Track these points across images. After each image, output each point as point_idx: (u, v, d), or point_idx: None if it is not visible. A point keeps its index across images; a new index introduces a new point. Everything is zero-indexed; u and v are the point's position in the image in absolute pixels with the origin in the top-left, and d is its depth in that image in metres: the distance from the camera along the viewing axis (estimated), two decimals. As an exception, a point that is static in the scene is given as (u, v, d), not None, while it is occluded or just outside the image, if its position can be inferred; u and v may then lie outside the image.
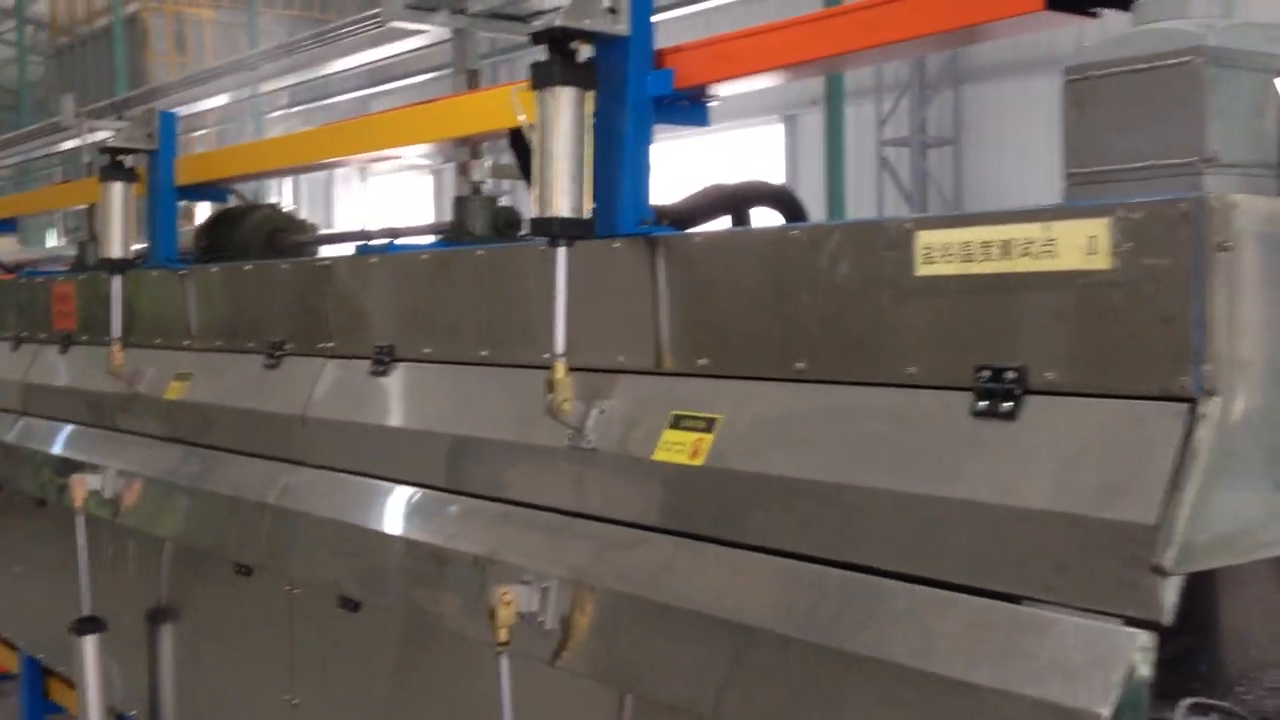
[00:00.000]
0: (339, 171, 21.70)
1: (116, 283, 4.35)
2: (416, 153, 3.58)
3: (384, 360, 3.33)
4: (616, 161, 2.63)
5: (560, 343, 2.54)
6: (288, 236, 4.50)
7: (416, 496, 3.08)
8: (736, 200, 3.09)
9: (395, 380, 3.30)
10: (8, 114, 35.80)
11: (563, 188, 2.53)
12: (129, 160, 4.37)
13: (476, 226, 3.51)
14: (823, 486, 2.13)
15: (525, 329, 2.89)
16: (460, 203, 3.55)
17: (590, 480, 2.61)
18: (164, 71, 17.72)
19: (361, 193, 22.85)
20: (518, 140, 3.11)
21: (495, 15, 6.49)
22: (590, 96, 2.57)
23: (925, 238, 2.04)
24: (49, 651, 5.23)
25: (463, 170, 3.55)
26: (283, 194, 18.54)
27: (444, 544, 2.90)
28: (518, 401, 2.86)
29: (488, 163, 3.54)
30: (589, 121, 2.57)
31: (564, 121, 2.53)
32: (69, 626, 4.31)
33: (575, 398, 2.56)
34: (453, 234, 3.53)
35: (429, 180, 21.86)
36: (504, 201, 3.79)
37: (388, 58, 8.10)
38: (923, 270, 2.05)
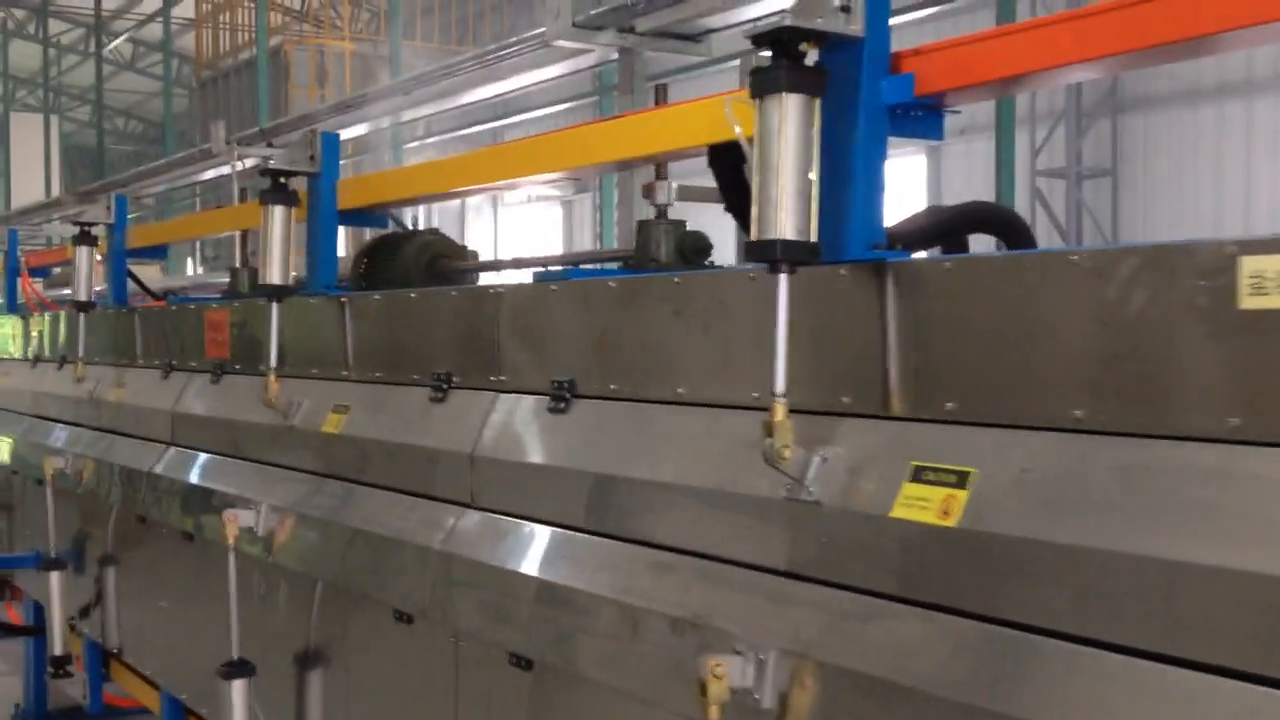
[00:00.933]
0: (471, 201, 21.76)
1: (275, 310, 4.17)
2: (605, 169, 3.31)
3: (563, 396, 3.06)
4: (846, 177, 2.34)
5: (781, 381, 2.24)
6: (450, 263, 4.28)
7: (602, 548, 2.80)
8: (961, 223, 2.77)
9: (575, 418, 3.04)
10: (152, 146, 36.91)
11: (787, 207, 2.24)
12: (290, 183, 4.21)
13: (661, 252, 3.23)
14: (1120, 559, 1.79)
15: (729, 364, 2.60)
16: (644, 227, 3.28)
17: (812, 537, 2.30)
18: (304, 103, 17.93)
19: (493, 222, 22.89)
20: (718, 157, 2.83)
21: (664, 34, 6.25)
22: (817, 105, 2.28)
23: (1253, 264, 1.70)
24: (191, 692, 5.06)
25: (646, 193, 3.28)
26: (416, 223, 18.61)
27: (637, 603, 2.61)
28: (720, 445, 2.58)
29: (673, 184, 3.28)
30: (816, 133, 2.28)
31: (789, 132, 2.24)
32: (217, 671, 4.12)
33: (795, 443, 2.26)
34: (636, 260, 3.27)
35: (558, 211, 21.83)
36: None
37: (549, 79, 7.93)
38: (1249, 303, 1.71)
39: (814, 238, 2.27)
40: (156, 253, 6.35)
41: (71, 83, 36.79)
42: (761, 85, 2.27)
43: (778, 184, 2.24)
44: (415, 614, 3.42)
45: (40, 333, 7.30)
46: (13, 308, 8.23)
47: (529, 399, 3.22)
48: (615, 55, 6.55)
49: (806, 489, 2.30)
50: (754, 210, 2.28)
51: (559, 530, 2.99)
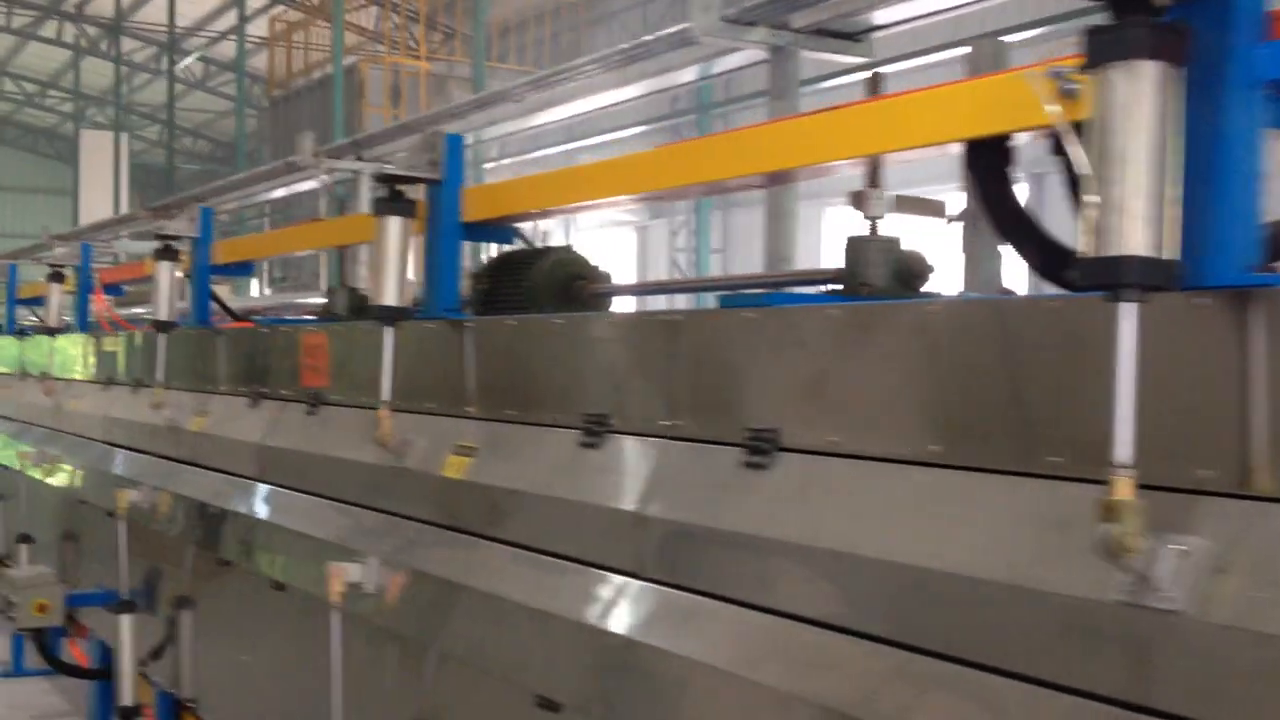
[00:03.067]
0: (545, 224, 21.24)
1: (389, 335, 3.65)
2: (831, 172, 2.75)
3: (764, 448, 2.50)
4: (1209, 175, 1.76)
5: (1126, 445, 1.67)
6: (588, 285, 3.74)
7: (835, 647, 2.23)
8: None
9: (783, 476, 2.47)
10: (220, 166, 36.90)
11: (1138, 213, 1.67)
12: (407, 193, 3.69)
13: (874, 275, 2.67)
14: None
15: (1015, 417, 2.03)
16: (855, 246, 2.72)
17: (1169, 659, 1.72)
18: (378, 122, 17.55)
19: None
20: (979, 157, 2.26)
21: (822, 31, 5.68)
22: (1179, 78, 1.71)
23: None
24: (277, 755, 4.55)
25: (856, 203, 2.72)
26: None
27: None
28: (1006, 525, 2.00)
29: (886, 195, 2.72)
30: (1178, 115, 1.71)
31: (1144, 112, 1.67)
32: (318, 745, 3.59)
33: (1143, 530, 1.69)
34: (845, 285, 2.70)
35: (631, 236, 21.29)
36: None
37: (686, 84, 7.36)
38: None
39: (1172, 255, 1.69)
40: (242, 270, 5.88)
41: (141, 101, 36.84)
42: (1102, 49, 1.70)
43: (1124, 182, 1.68)
44: (566, 704, 2.86)
45: (114, 353, 6.84)
46: (84, 326, 7.79)
47: (713, 450, 2.66)
48: (764, 55, 5.99)
49: (1158, 591, 1.71)
50: (1086, 218, 1.71)
51: (764, 616, 2.42)
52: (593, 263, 3.85)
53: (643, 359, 2.91)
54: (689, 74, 6.07)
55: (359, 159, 7.06)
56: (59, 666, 6.39)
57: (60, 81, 38.29)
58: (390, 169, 3.71)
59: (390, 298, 3.66)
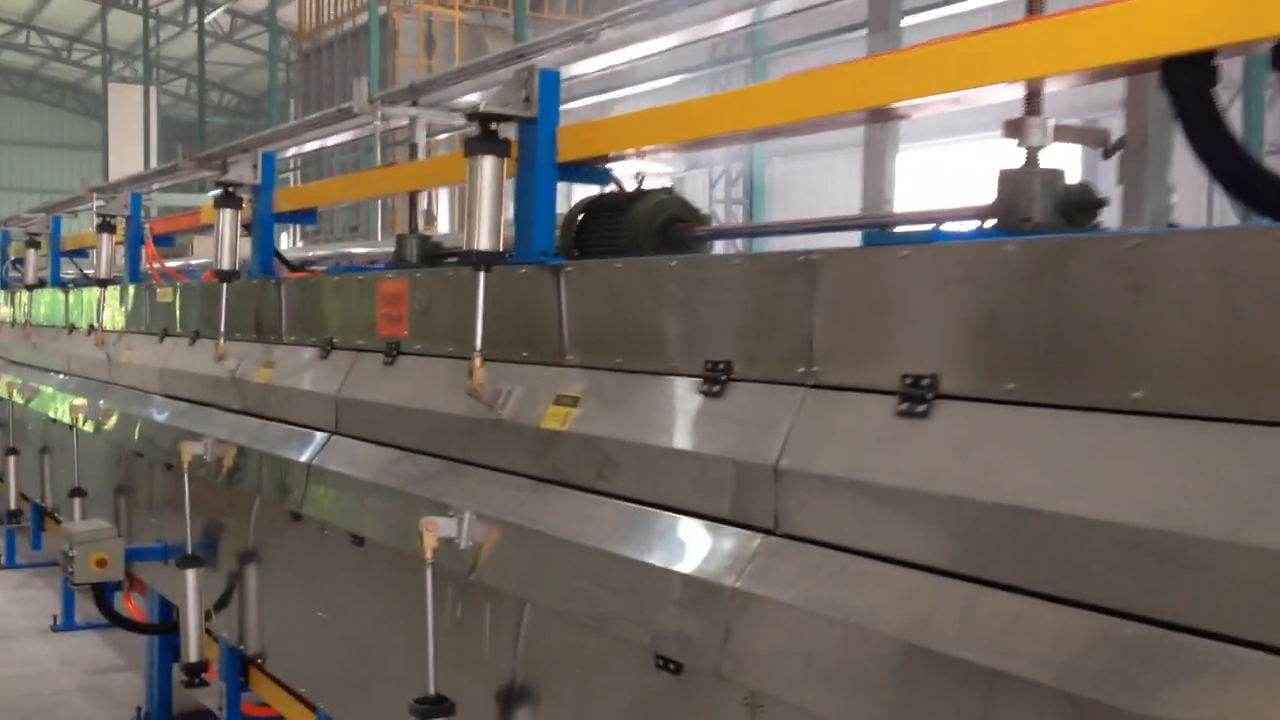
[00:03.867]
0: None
1: (483, 280, 3.48)
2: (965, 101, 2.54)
3: (921, 395, 2.33)
4: None
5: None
6: (690, 228, 3.56)
7: (1010, 607, 2.06)
8: None
9: (940, 426, 2.30)
10: (247, 120, 36.71)
11: None
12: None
13: (1036, 209, 2.48)
14: None
15: (1234, 362, 1.85)
16: (1011, 178, 2.53)
17: None
18: (412, 72, 17.30)
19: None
20: (1181, 74, 2.07)
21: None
22: None
23: None
24: (352, 714, 4.42)
25: (1012, 132, 2.52)
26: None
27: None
28: (1229, 474, 1.82)
29: (1050, 122, 2.53)
30: None
31: None
32: (411, 708, 3.45)
33: None
34: (1003, 220, 2.52)
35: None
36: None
37: (741, 28, 7.07)
38: None
39: None
40: (306, 218, 5.71)
41: (168, 54, 36.62)
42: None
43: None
44: (687, 664, 2.71)
45: (169, 305, 6.70)
46: (135, 277, 7.65)
47: (859, 398, 2.49)
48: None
49: None
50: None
51: (916, 573, 2.26)
52: (692, 205, 3.66)
53: (774, 302, 2.74)
54: (741, 18, 5.76)
55: (414, 104, 6.87)
56: (120, 622, 6.29)
57: (87, 35, 38.10)
58: (486, 106, 3.52)
59: (485, 242, 3.48)
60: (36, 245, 9.58)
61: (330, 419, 4.62)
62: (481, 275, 3.49)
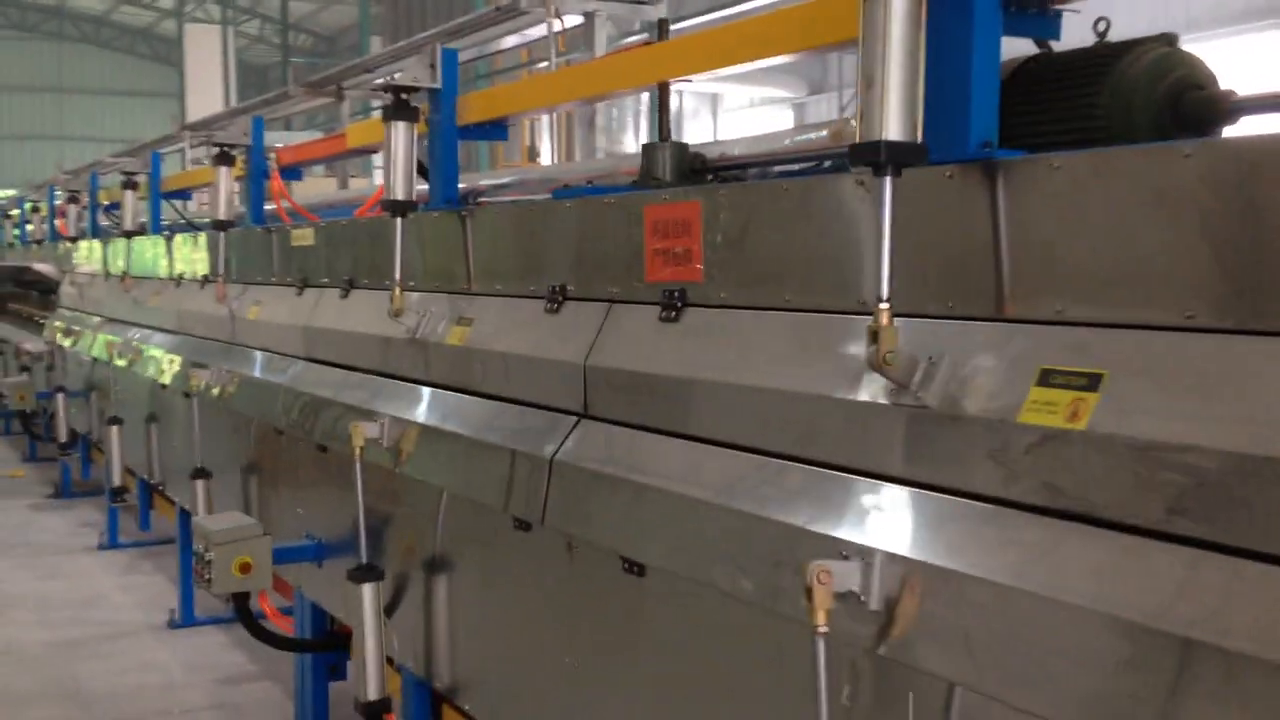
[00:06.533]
0: (688, 104, 19.53)
1: (889, 187, 2.22)
2: None
3: None
4: None
5: None
6: (1212, 98, 2.27)
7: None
8: None
9: None
10: (325, 59, 35.58)
11: None
12: None
13: None
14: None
15: None
16: None
17: None
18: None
19: (712, 129, 20.67)
20: None
21: None
22: None
23: None
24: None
25: None
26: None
27: None
28: None
29: None
30: None
31: None
32: None
33: None
34: None
35: (788, 115, 19.50)
36: None
37: None
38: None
39: None
40: (496, 132, 4.46)
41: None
42: None
43: None
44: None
45: (310, 249, 5.51)
46: (259, 219, 6.46)
47: None
48: None
49: None
50: None
51: None
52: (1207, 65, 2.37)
53: None
54: None
55: (590, -4, 5.63)
56: (270, 639, 5.16)
57: (157, -22, 37.14)
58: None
59: (894, 130, 2.22)
60: (134, 187, 8.44)
61: (576, 397, 3.39)
62: (888, 181, 2.23)
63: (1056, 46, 2.61)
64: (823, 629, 2.21)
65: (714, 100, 18.69)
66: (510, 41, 6.22)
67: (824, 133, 3.53)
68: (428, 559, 4.17)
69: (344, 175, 9.59)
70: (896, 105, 2.23)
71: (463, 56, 5.46)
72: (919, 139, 2.24)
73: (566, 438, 3.36)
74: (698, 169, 3.66)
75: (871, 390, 2.38)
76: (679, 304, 3.08)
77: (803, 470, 2.56)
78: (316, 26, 37.82)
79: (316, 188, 7.86)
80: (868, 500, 2.37)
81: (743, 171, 3.72)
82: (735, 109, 19.37)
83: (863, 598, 2.25)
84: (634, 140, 13.32)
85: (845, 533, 2.35)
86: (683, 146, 3.69)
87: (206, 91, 26.10)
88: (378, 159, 11.74)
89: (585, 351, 3.37)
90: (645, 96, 12.13)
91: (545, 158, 12.38)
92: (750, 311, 2.85)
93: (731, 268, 2.91)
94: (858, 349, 2.44)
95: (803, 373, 2.61)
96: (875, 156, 2.24)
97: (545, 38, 5.51)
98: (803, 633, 2.25)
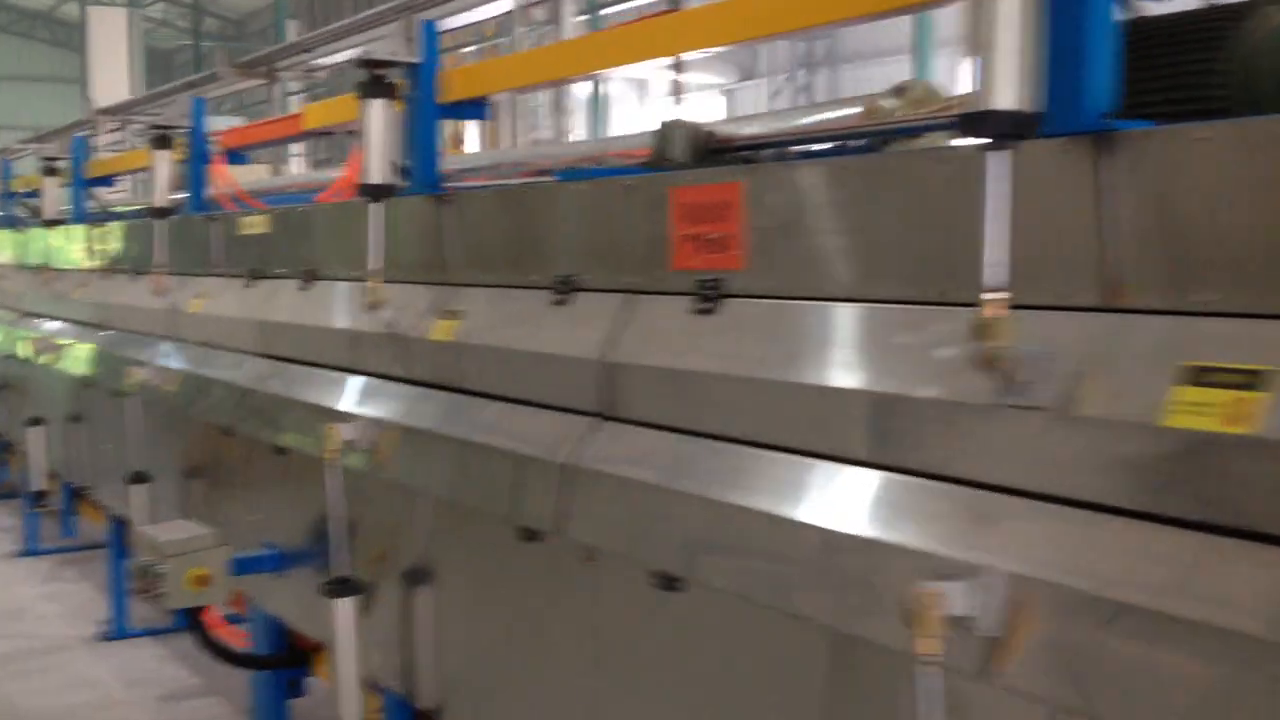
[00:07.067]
0: (614, 90, 19.13)
1: (1003, 161, 1.98)
2: None
3: None
4: None
5: None
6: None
7: None
8: None
9: None
10: (235, 44, 34.67)
11: None
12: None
13: None
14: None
15: None
16: None
17: None
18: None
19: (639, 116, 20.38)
20: None
21: None
22: None
23: None
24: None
25: None
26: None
27: None
28: None
29: None
30: None
31: None
32: None
33: None
34: None
35: (719, 101, 19.25)
36: None
37: None
38: None
39: None
40: (472, 111, 4.14)
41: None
42: None
43: None
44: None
45: (260, 238, 5.15)
46: (199, 206, 6.07)
47: None
48: None
49: None
50: None
51: None
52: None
53: None
54: None
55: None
56: (232, 658, 4.80)
57: (55, -41, 35.88)
58: None
59: (1010, 98, 1.98)
60: (55, 173, 7.96)
61: (590, 396, 3.11)
62: (1001, 155, 1.98)
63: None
64: (929, 658, 1.97)
65: (640, 86, 18.41)
66: (487, 13, 5.89)
67: (856, 109, 3.29)
68: (409, 570, 3.86)
69: (277, 162, 9.18)
70: (1009, 71, 1.99)
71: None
72: (1033, 108, 2.00)
73: (583, 440, 3.08)
74: (715, 149, 3.40)
75: (967, 390, 2.13)
76: (712, 294, 2.82)
77: (882, 478, 2.31)
78: (225, 10, 36.85)
79: (251, 175, 7.45)
80: (969, 511, 2.13)
81: (756, 152, 3.47)
82: (662, 96, 19.09)
83: (973, 623, 2.01)
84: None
85: (950, 549, 2.10)
86: (697, 125, 3.43)
87: (111, 76, 25.20)
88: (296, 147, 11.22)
89: (602, 346, 3.09)
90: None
91: (470, 145, 11.99)
92: (805, 303, 2.59)
93: (781, 255, 2.65)
94: (943, 342, 2.21)
95: (873, 369, 2.36)
96: (986, 127, 2.00)
97: (513, 11, 5.18)
98: (890, 661, 2.01)
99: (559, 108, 5.91)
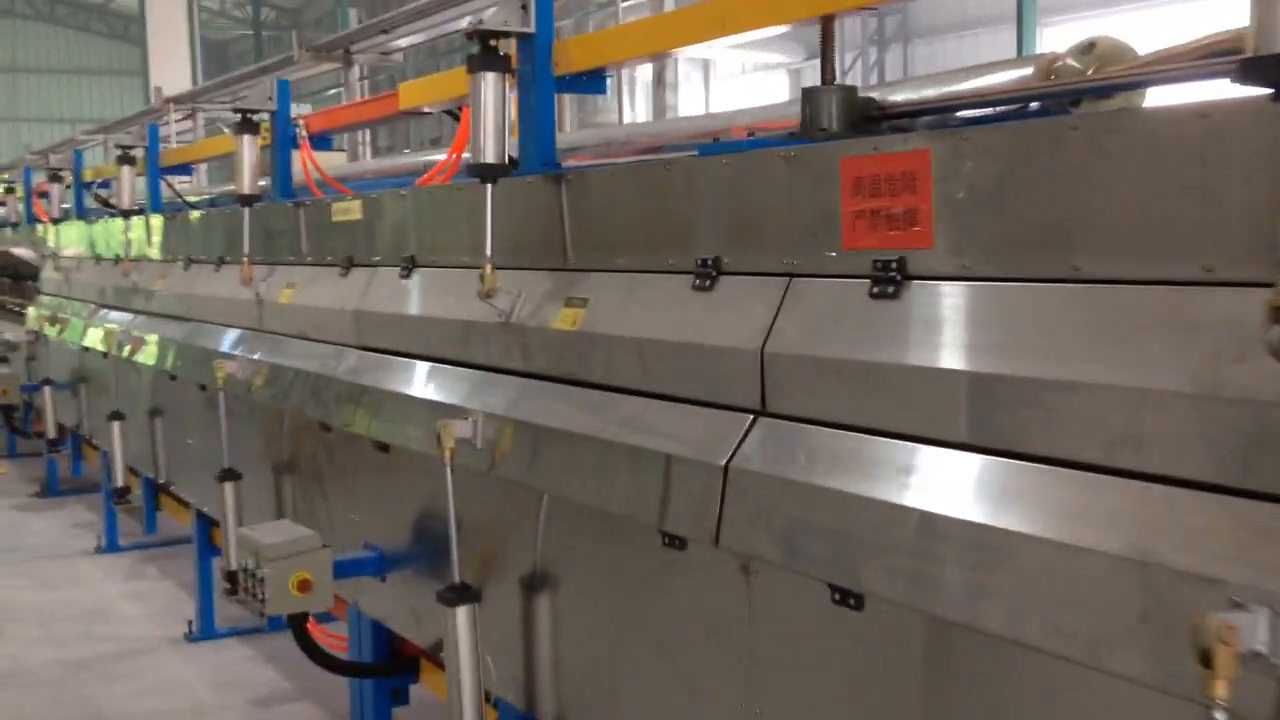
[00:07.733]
0: (681, 70, 18.69)
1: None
2: None
3: None
4: None
5: None
6: None
7: None
8: None
9: None
10: (286, 33, 34.59)
11: None
12: None
13: None
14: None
15: None
16: None
17: None
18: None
19: (704, 96, 20.00)
20: None
21: None
22: None
23: None
24: None
25: None
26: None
27: None
28: None
29: None
30: None
31: None
32: None
33: None
34: None
35: (783, 80, 18.87)
36: None
37: None
38: None
39: None
40: (592, 85, 3.87)
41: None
42: None
43: None
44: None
45: (355, 224, 4.91)
46: (286, 193, 5.84)
47: None
48: None
49: None
50: None
51: None
52: None
53: None
54: None
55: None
56: (335, 666, 4.58)
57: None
58: None
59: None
60: (131, 161, 7.78)
61: (747, 390, 2.83)
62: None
63: None
64: (1223, 703, 1.68)
65: (705, 67, 18.06)
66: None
67: (1027, 69, 2.99)
68: (529, 575, 3.61)
69: (355, 148, 8.96)
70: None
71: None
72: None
73: (743, 439, 2.80)
74: (873, 116, 3.10)
75: (1250, 385, 1.83)
76: (898, 276, 2.53)
77: (1117, 484, 2.01)
78: (281, 0, 36.86)
79: (331, 161, 7.23)
80: (1254, 527, 1.83)
81: (912, 120, 3.17)
82: (727, 76, 18.75)
83: (1272, 658, 1.71)
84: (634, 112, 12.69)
85: (1236, 572, 1.80)
86: (853, 90, 3.13)
87: (172, 66, 25.17)
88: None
89: (761, 336, 2.80)
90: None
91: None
92: (1017, 284, 2.29)
93: (983, 231, 2.36)
94: (1211, 327, 1.91)
95: (1117, 361, 2.06)
96: (1274, 75, 1.70)
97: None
98: (1147, 700, 1.72)
99: (661, 82, 5.61)
